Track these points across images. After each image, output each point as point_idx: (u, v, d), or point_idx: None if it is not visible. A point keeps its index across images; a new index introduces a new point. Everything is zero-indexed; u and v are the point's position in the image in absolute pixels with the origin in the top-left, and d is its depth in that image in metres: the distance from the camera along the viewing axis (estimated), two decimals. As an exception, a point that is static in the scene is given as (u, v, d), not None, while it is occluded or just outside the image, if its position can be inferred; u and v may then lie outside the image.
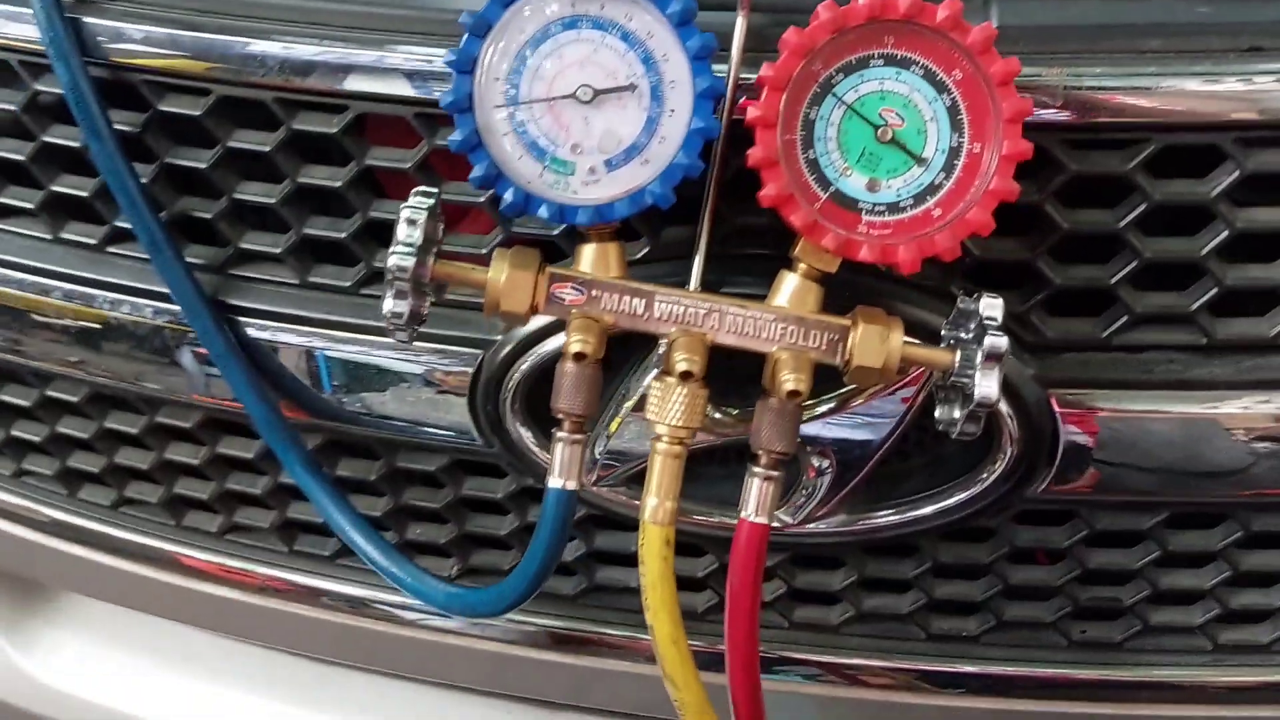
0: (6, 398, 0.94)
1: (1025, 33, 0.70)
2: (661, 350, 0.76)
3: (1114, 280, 0.74)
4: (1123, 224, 0.73)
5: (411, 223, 0.65)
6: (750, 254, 0.75)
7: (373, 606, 0.92)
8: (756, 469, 0.69)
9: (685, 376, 0.65)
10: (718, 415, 0.77)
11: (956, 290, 0.75)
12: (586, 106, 0.66)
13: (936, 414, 0.72)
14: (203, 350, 0.82)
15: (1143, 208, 0.72)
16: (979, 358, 0.66)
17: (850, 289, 0.72)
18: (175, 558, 0.94)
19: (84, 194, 0.82)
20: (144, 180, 0.79)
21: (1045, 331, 0.76)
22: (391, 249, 0.65)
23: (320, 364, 0.82)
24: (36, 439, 0.95)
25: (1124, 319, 0.75)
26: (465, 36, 0.65)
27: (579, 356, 0.65)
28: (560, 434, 0.69)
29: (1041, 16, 0.72)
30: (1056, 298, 0.75)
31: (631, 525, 0.85)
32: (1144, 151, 0.71)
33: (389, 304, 0.65)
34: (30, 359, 0.89)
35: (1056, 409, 0.77)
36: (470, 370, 0.80)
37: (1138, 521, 0.82)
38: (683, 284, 0.72)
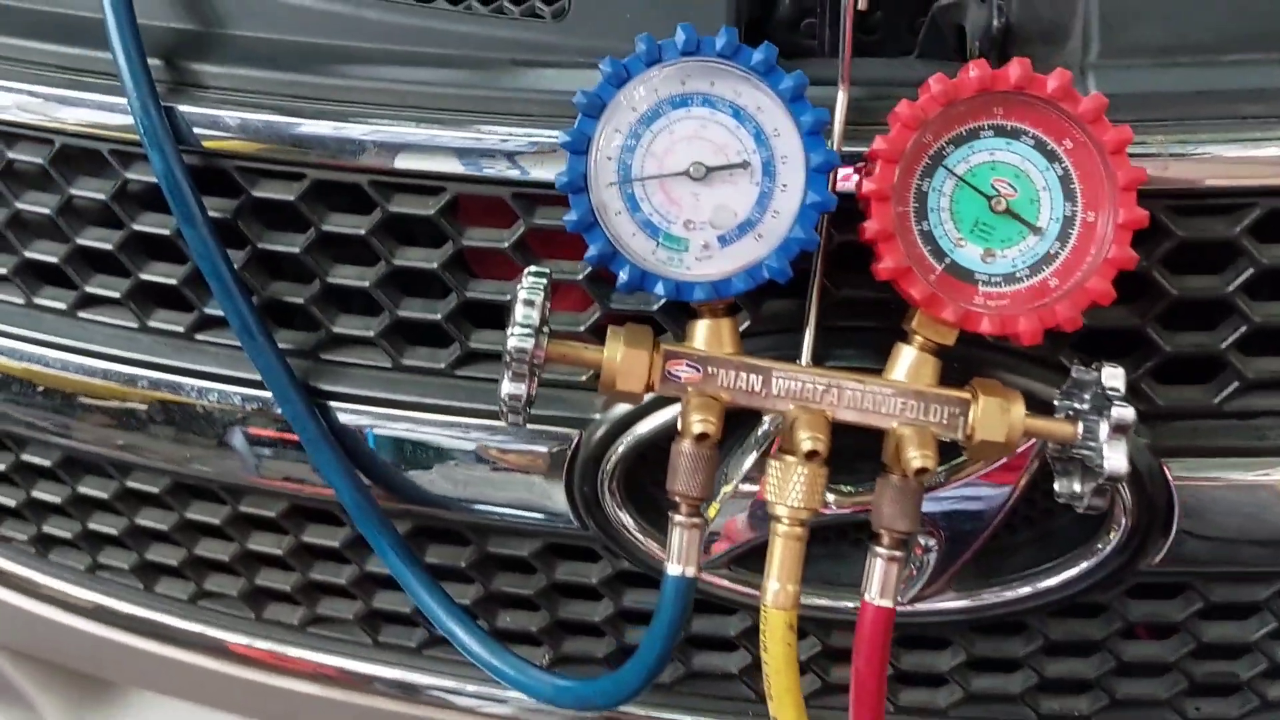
0: (86, 490, 0.92)
1: (1125, 100, 0.69)
2: (765, 427, 0.76)
3: (1224, 346, 0.73)
4: (1230, 289, 0.72)
5: (529, 303, 0.64)
6: (855, 327, 0.74)
7: (458, 697, 0.90)
8: (879, 549, 0.67)
9: (811, 456, 0.63)
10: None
11: (1065, 359, 0.73)
12: (698, 183, 0.65)
13: (1057, 487, 0.70)
14: (293, 437, 0.81)
15: (1250, 272, 0.71)
16: (1104, 430, 0.65)
17: (954, 359, 0.71)
18: (255, 652, 0.92)
19: (173, 281, 0.82)
20: (236, 266, 0.79)
21: (1156, 399, 0.75)
22: (510, 330, 0.64)
23: (413, 448, 0.81)
24: (114, 532, 0.93)
25: (1235, 385, 0.74)
26: (579, 117, 0.65)
27: (701, 437, 0.64)
28: (677, 517, 0.67)
29: (1140, 84, 0.71)
30: (1166, 364, 0.74)
31: (730, 609, 0.84)
32: (1249, 216, 0.70)
33: (507, 387, 0.64)
34: (115, 450, 0.87)
35: (1170, 478, 0.75)
36: (567, 450, 0.79)
37: (1254, 593, 0.79)
38: (791, 358, 0.71)
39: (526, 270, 0.66)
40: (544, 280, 0.65)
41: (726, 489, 0.77)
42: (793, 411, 0.66)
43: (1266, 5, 0.72)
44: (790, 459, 0.65)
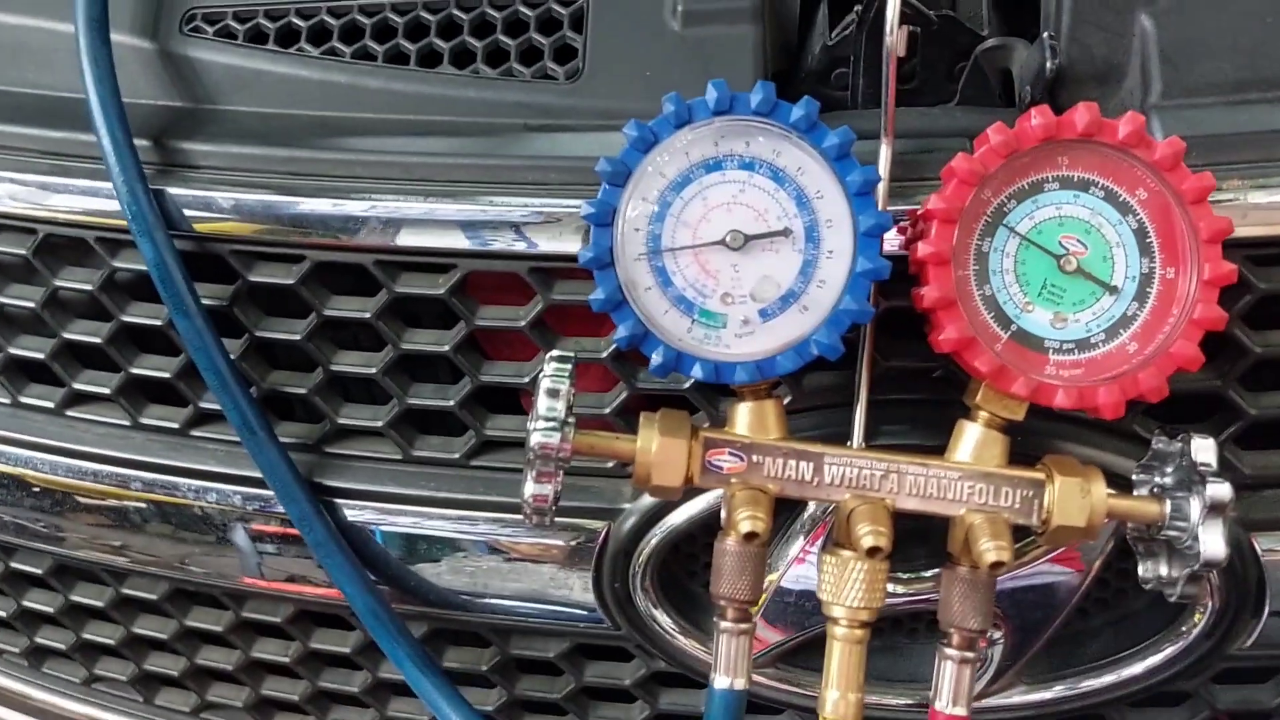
0: (79, 598, 0.86)
1: (1195, 143, 0.63)
2: (812, 509, 0.69)
3: (1315, 408, 0.67)
4: (1323, 345, 0.66)
5: (553, 393, 0.58)
6: (908, 399, 0.68)
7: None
8: (949, 650, 0.60)
9: (873, 552, 0.57)
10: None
11: (1141, 428, 0.67)
12: (736, 253, 0.59)
13: (1142, 572, 0.64)
14: (298, 535, 0.74)
15: (1337, 327, 0.65)
16: (1195, 509, 0.59)
17: (1016, 432, 0.65)
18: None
19: (166, 375, 0.76)
20: (233, 356, 0.73)
21: (1241, 467, 0.68)
22: (532, 424, 0.57)
23: (428, 546, 0.75)
24: (111, 642, 0.87)
25: (1327, 449, 0.67)
26: (603, 186, 0.59)
27: (750, 536, 0.57)
28: (724, 624, 0.60)
29: (1210, 124, 0.66)
30: (1251, 430, 0.68)
31: (773, 709, 0.76)
32: (1336, 265, 0.64)
33: (531, 488, 0.57)
34: (108, 555, 0.81)
35: (1261, 554, 0.68)
36: (595, 544, 0.72)
37: (1354, 675, 0.72)
38: (836, 436, 0.65)
39: (549, 355, 0.60)
40: (569, 366, 0.59)
41: (772, 577, 0.71)
42: (849, 501, 0.60)
43: (1345, 34, 0.67)
44: (846, 553, 0.59)
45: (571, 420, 0.59)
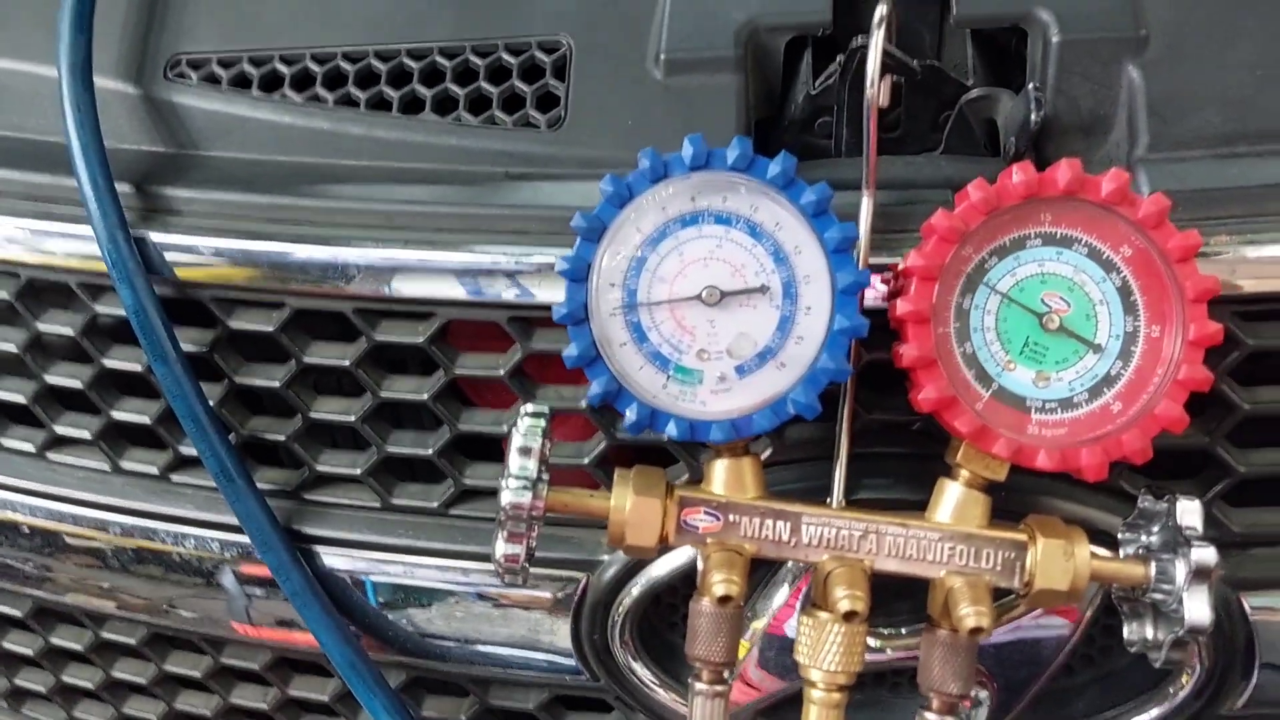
0: (59, 641, 0.85)
1: (1183, 197, 0.63)
2: (789, 565, 0.68)
3: (1305, 465, 0.65)
4: (1311, 403, 0.64)
5: (525, 451, 0.57)
6: (886, 453, 0.67)
7: None
8: (929, 715, 0.59)
9: (849, 616, 0.56)
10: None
11: (1127, 485, 0.66)
12: (712, 308, 0.59)
13: (1127, 634, 0.62)
14: (270, 580, 0.74)
15: (1329, 383, 0.64)
16: (1181, 572, 0.58)
17: (1000, 488, 0.63)
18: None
19: (146, 420, 0.75)
20: (212, 403, 0.72)
21: (1230, 525, 0.67)
22: (504, 483, 0.57)
23: (406, 595, 0.74)
24: (90, 685, 0.86)
25: (1319, 507, 0.66)
26: (578, 241, 0.58)
27: (724, 600, 0.56)
28: (699, 685, 0.59)
29: (1198, 178, 0.65)
30: (1240, 487, 0.66)
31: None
32: (1327, 321, 0.63)
33: (502, 548, 0.57)
34: (87, 598, 0.81)
35: (1250, 613, 0.67)
36: (574, 595, 0.71)
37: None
38: (816, 491, 0.64)
39: (523, 410, 0.59)
40: (542, 422, 0.59)
41: (756, 625, 0.70)
42: (826, 563, 0.59)
43: (1334, 87, 0.66)
44: (824, 616, 0.58)
45: (545, 477, 0.58)
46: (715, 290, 0.58)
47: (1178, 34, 0.67)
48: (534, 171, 0.70)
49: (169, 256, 0.72)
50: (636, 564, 0.69)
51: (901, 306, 0.58)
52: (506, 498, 0.56)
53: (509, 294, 0.67)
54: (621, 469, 0.61)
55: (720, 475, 0.60)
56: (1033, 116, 0.63)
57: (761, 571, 0.70)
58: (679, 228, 0.59)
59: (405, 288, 0.69)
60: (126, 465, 0.77)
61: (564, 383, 0.70)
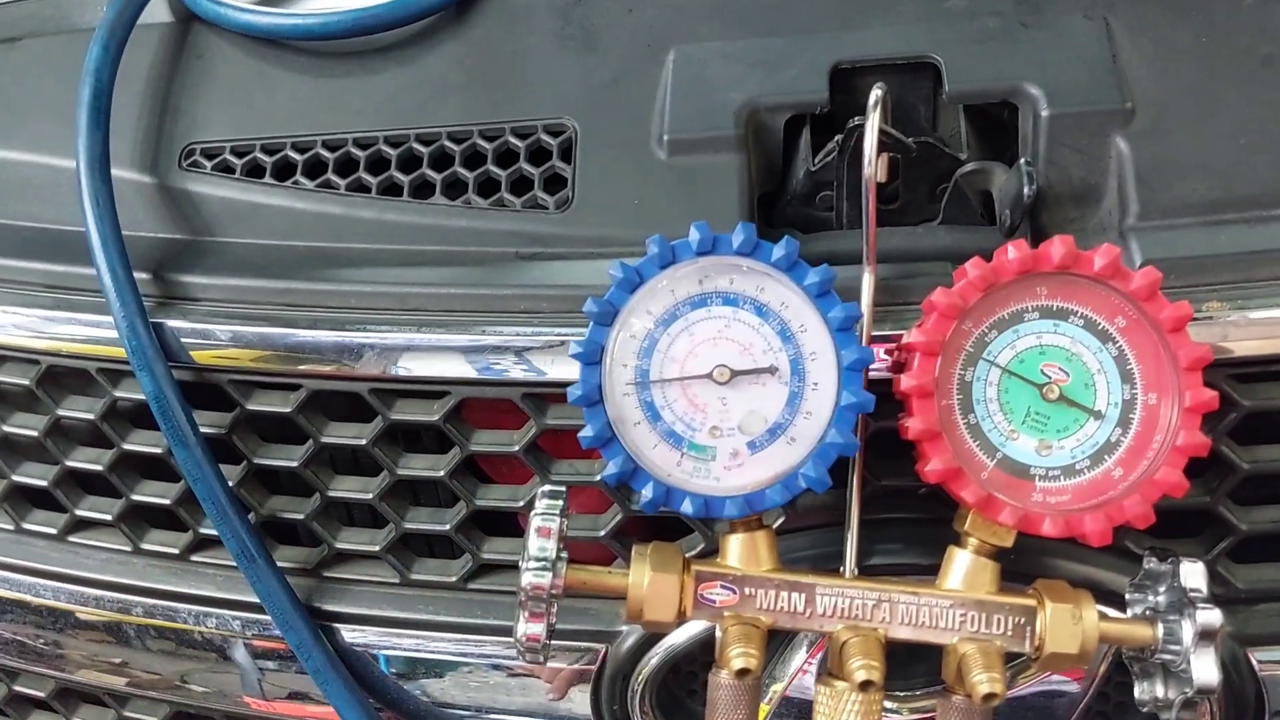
0: (79, 721, 0.86)
1: (1174, 265, 0.65)
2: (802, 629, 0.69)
3: (1306, 521, 0.67)
4: (1308, 460, 0.66)
5: (544, 532, 0.58)
6: (896, 519, 0.69)
7: None
8: (947, 779, 0.60)
9: (866, 686, 0.57)
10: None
11: (1133, 544, 0.67)
12: (724, 386, 0.60)
13: (1138, 693, 0.63)
14: (283, 654, 0.75)
15: (1325, 440, 0.66)
16: (1188, 633, 0.59)
17: (1008, 551, 0.65)
18: None
19: (166, 502, 0.77)
20: (231, 483, 0.74)
21: (1235, 582, 0.68)
22: (524, 564, 0.58)
23: (426, 670, 0.75)
24: (110, 764, 0.87)
25: (1321, 561, 0.67)
26: (590, 325, 0.60)
27: (743, 673, 0.57)
28: (720, 756, 0.60)
29: (1188, 246, 0.67)
30: (1244, 544, 0.68)
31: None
32: (1320, 379, 0.65)
33: (523, 628, 0.58)
34: (109, 677, 0.81)
35: (1258, 668, 0.68)
36: (593, 667, 0.72)
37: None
38: (829, 557, 0.65)
39: (540, 491, 0.61)
40: (560, 501, 0.60)
41: (776, 688, 0.71)
42: (841, 632, 0.60)
43: (1317, 154, 0.68)
44: (840, 685, 0.59)
45: (564, 555, 0.60)
46: (725, 369, 0.60)
47: (1163, 106, 0.69)
48: (544, 251, 0.72)
49: (186, 342, 0.73)
50: (655, 634, 0.70)
51: (905, 381, 0.59)
52: (527, 579, 0.57)
53: (521, 372, 0.69)
54: (639, 545, 0.62)
55: (735, 549, 0.62)
56: (1026, 190, 0.65)
57: (779, 635, 0.71)
58: (688, 309, 0.61)
59: (419, 368, 0.70)
60: (147, 546, 0.78)
61: (579, 456, 0.71)
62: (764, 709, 0.71)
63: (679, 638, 0.70)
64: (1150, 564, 0.64)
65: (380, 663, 0.75)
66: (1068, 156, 0.69)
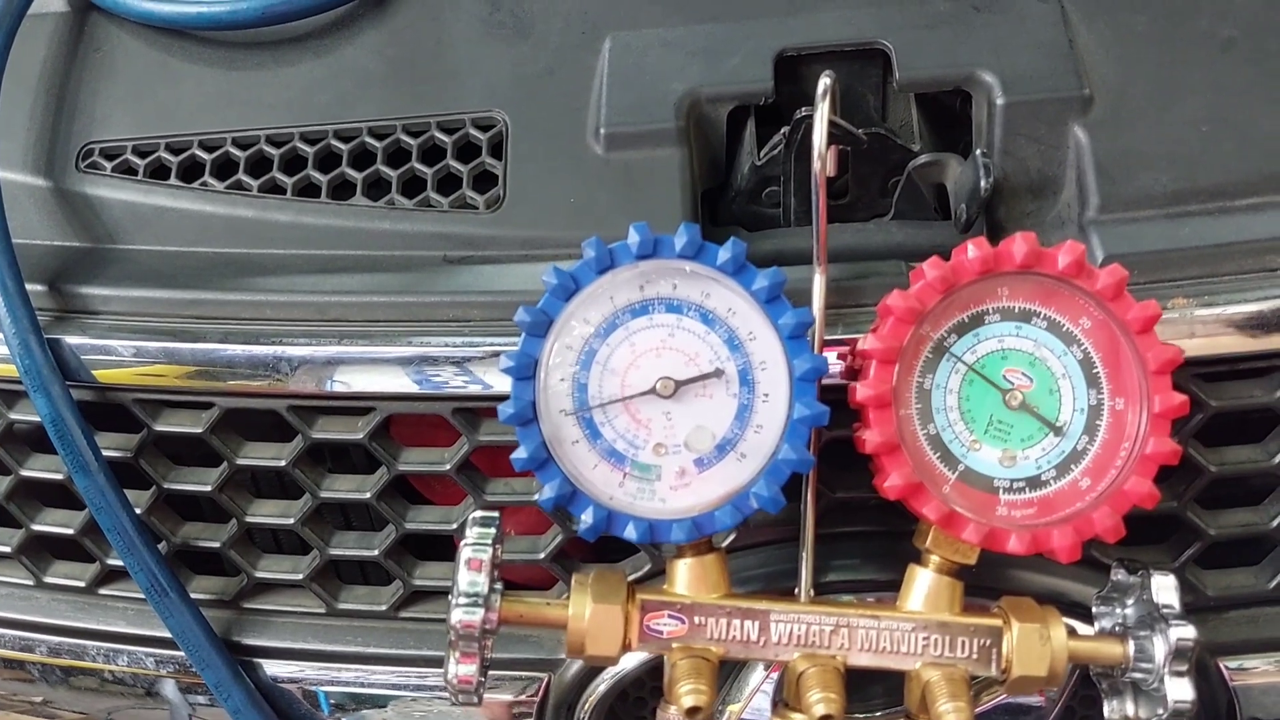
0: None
1: (1137, 260, 0.62)
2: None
3: (1276, 524, 0.64)
4: (1277, 460, 0.63)
5: (474, 565, 0.53)
6: (853, 533, 0.65)
7: None
8: (912, 812, 0.56)
9: (825, 720, 0.53)
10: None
11: (1097, 553, 0.64)
12: (668, 400, 0.56)
13: (1108, 712, 0.60)
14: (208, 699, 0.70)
15: (1294, 439, 0.63)
16: (1159, 651, 0.56)
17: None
18: None
19: (70, 532, 0.71)
20: (140, 511, 0.68)
21: (1204, 589, 0.65)
22: (454, 601, 0.53)
23: (356, 704, 0.70)
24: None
25: (1292, 564, 0.65)
26: (523, 337, 0.56)
27: (693, 711, 0.53)
28: (671, 796, 0.56)
29: (1151, 240, 0.64)
30: (1211, 549, 0.65)
31: None
32: (1289, 380, 0.62)
33: (454, 669, 0.53)
34: (19, 717, 0.76)
35: (1229, 677, 0.65)
36: (535, 698, 0.68)
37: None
38: (783, 575, 0.61)
39: (471, 518, 0.56)
40: (492, 530, 0.55)
41: (733, 709, 0.67)
42: (798, 662, 0.56)
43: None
44: (798, 717, 0.55)
45: (498, 587, 0.55)
46: (670, 381, 0.56)
47: (1122, 92, 0.66)
48: (473, 255, 0.67)
49: (87, 359, 0.68)
50: (599, 660, 0.66)
51: (861, 391, 0.56)
52: (456, 616, 0.53)
53: (453, 385, 0.64)
54: (579, 575, 0.58)
55: (683, 575, 0.58)
56: (982, 183, 0.62)
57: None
58: (629, 318, 0.56)
59: (341, 382, 0.65)
60: (51, 579, 0.73)
61: (516, 474, 0.67)
62: (720, 735, 0.68)
63: (628, 663, 0.66)
64: (1118, 575, 0.61)
65: (312, 699, 0.70)
66: (1024, 147, 0.66)
